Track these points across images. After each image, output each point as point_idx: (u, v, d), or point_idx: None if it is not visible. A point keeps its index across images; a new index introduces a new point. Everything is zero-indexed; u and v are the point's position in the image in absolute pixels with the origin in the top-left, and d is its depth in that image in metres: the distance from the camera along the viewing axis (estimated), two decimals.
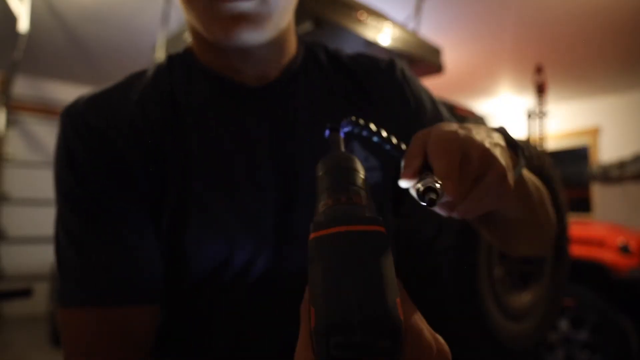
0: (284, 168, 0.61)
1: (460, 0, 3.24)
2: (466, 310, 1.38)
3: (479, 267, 1.39)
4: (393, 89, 0.70)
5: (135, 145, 0.58)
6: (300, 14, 1.89)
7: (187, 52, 0.66)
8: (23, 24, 3.10)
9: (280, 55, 0.64)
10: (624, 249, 2.53)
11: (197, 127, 0.60)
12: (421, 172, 0.42)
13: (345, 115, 0.64)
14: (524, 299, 1.59)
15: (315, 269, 0.28)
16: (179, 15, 2.56)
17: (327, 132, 0.46)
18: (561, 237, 1.73)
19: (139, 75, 0.64)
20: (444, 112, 0.74)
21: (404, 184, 0.43)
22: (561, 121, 5.46)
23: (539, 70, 3.62)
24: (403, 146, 0.48)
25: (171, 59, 0.66)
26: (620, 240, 2.57)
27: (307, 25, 1.91)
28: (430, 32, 3.31)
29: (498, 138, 0.47)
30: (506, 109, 5.80)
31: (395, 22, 2.24)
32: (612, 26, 3.55)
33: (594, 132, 5.35)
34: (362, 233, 0.28)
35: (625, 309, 2.39)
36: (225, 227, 0.58)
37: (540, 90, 3.64)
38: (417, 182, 0.37)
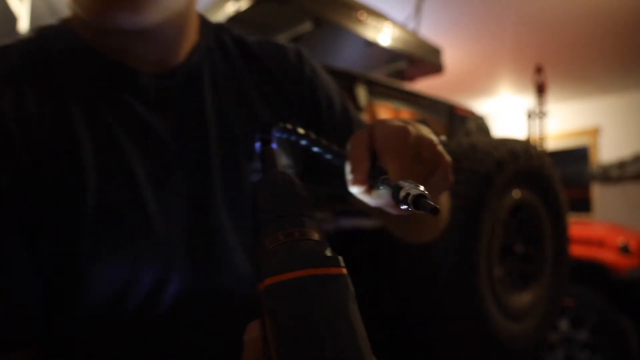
0: (194, 170, 0.53)
1: (460, 0, 3.24)
2: (466, 310, 1.38)
3: (479, 267, 1.38)
4: (304, 82, 0.65)
5: (3, 143, 0.46)
6: (300, 14, 1.89)
7: (65, 28, 0.54)
8: (23, 24, 3.10)
9: (181, 39, 0.55)
10: (624, 249, 2.53)
11: (86, 120, 0.49)
12: (372, 175, 0.39)
13: (256, 109, 0.60)
14: (524, 299, 1.59)
15: (277, 322, 0.24)
16: None
17: (257, 145, 0.41)
18: (561, 237, 1.73)
19: None
20: (350, 106, 0.71)
21: (355, 189, 0.40)
22: (561, 121, 5.45)
23: (539, 70, 3.61)
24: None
25: (42, 34, 0.53)
26: (620, 240, 2.57)
27: (307, 25, 1.91)
28: (430, 32, 3.30)
29: (433, 132, 0.46)
30: (506, 109, 5.80)
31: (395, 22, 2.23)
32: (612, 26, 3.55)
33: (594, 132, 5.35)
34: (325, 278, 0.25)
35: (625, 309, 2.39)
36: (128, 242, 0.49)
37: (540, 90, 3.64)
38: (400, 191, 0.33)
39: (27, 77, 0.50)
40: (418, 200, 0.32)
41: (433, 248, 1.39)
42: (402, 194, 0.33)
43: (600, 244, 2.59)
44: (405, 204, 0.32)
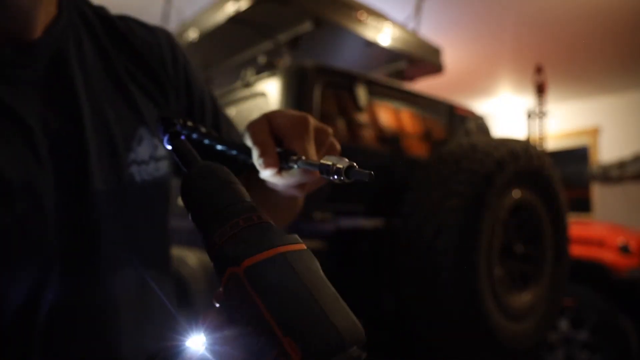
0: (69, 159, 0.47)
1: (460, 0, 3.24)
2: (466, 310, 1.38)
3: (479, 267, 1.39)
4: (178, 70, 0.61)
5: None
6: (300, 14, 1.89)
7: None
8: None
9: (37, 8, 0.47)
10: (624, 249, 2.53)
11: None
12: (282, 157, 0.43)
13: (131, 94, 0.55)
14: (524, 299, 1.59)
15: (270, 298, 0.25)
16: (179, 15, 2.56)
17: (165, 139, 0.40)
18: (561, 237, 1.73)
19: None
20: (216, 99, 0.69)
21: (267, 173, 0.42)
22: (561, 121, 5.46)
23: (539, 70, 3.61)
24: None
25: None
26: (620, 240, 2.57)
27: (307, 25, 1.91)
28: (430, 32, 3.30)
29: None
30: (506, 109, 5.80)
31: (395, 22, 2.24)
32: (612, 26, 3.55)
33: (594, 132, 5.35)
34: (297, 253, 0.28)
35: (625, 309, 2.39)
36: None
37: (540, 90, 3.64)
38: (330, 166, 0.37)
39: None
40: (349, 171, 0.35)
41: (433, 248, 1.39)
42: (335, 167, 0.36)
43: (600, 244, 2.60)
44: (338, 175, 0.36)
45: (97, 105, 0.50)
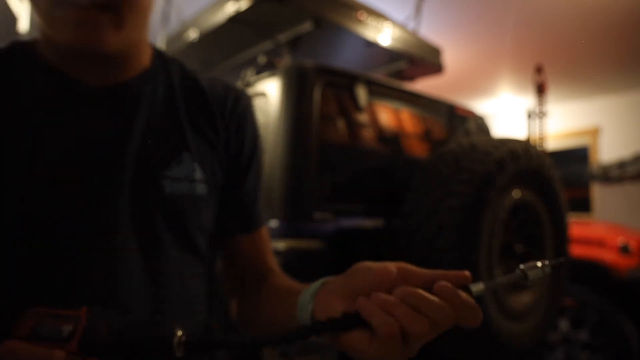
0: (102, 166, 0.56)
1: (461, 0, 3.24)
2: None
3: (479, 267, 1.39)
4: (232, 118, 0.69)
5: None
6: (300, 14, 1.89)
7: (31, 43, 0.61)
8: (23, 24, 3.09)
9: (126, 64, 0.60)
10: (624, 249, 2.53)
11: (28, 121, 0.55)
12: None
13: (185, 133, 0.63)
14: (524, 299, 1.59)
15: None
16: (179, 15, 2.56)
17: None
18: (561, 237, 1.73)
19: None
20: (260, 156, 0.75)
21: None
22: (561, 121, 5.46)
23: (539, 70, 3.62)
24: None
25: (14, 46, 0.60)
26: (620, 240, 2.57)
27: (307, 25, 1.91)
28: (430, 32, 3.30)
29: None
30: (506, 109, 5.80)
31: (395, 22, 2.23)
32: (612, 26, 3.55)
33: (594, 132, 5.35)
34: None
35: (625, 309, 2.39)
36: (70, 247, 0.52)
37: (540, 90, 3.64)
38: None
39: None
40: None
41: (433, 248, 1.39)
42: None
43: (600, 244, 2.60)
44: None
45: (149, 131, 0.59)
